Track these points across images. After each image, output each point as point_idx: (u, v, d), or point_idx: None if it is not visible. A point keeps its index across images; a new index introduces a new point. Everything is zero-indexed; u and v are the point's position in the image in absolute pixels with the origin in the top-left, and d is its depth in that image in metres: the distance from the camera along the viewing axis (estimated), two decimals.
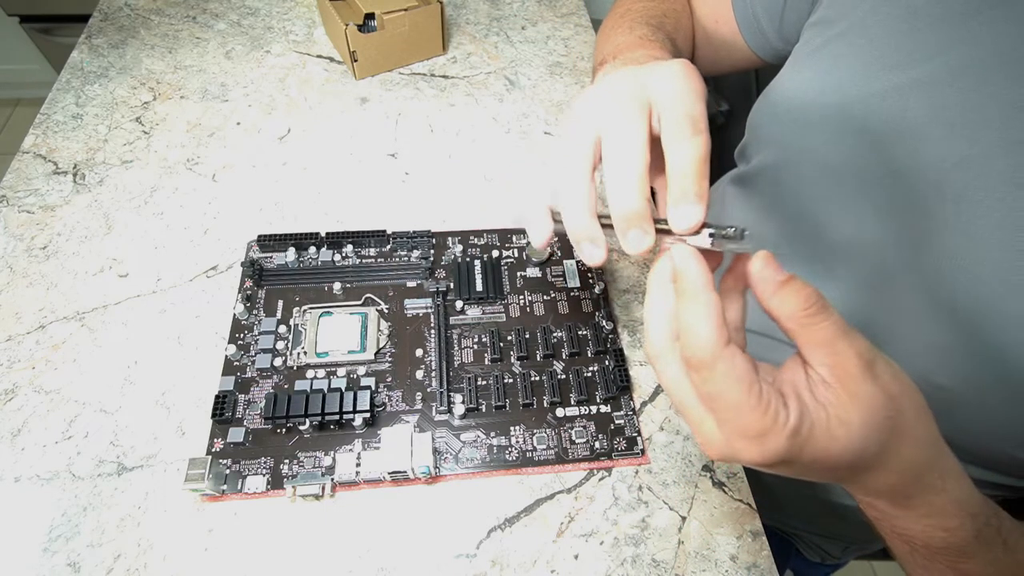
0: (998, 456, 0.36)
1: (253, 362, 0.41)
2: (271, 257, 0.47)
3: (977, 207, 0.31)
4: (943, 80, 0.32)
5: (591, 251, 0.25)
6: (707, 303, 0.21)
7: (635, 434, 0.40)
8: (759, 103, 0.44)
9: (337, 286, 0.45)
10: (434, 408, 0.40)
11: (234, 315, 0.43)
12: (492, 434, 0.40)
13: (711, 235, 0.23)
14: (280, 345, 0.42)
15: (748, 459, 0.22)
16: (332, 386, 0.40)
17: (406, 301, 0.45)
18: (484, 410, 0.40)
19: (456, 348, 0.43)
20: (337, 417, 0.38)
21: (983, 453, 0.36)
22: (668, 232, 0.24)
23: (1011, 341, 0.30)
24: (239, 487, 0.37)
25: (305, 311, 0.44)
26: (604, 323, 0.45)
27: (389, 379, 0.41)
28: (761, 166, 0.46)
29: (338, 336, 0.42)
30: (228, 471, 0.37)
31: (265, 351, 0.42)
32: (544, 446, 0.39)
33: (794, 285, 0.22)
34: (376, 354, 0.42)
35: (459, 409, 0.40)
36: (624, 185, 0.23)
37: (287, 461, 0.38)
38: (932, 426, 0.24)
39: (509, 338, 0.43)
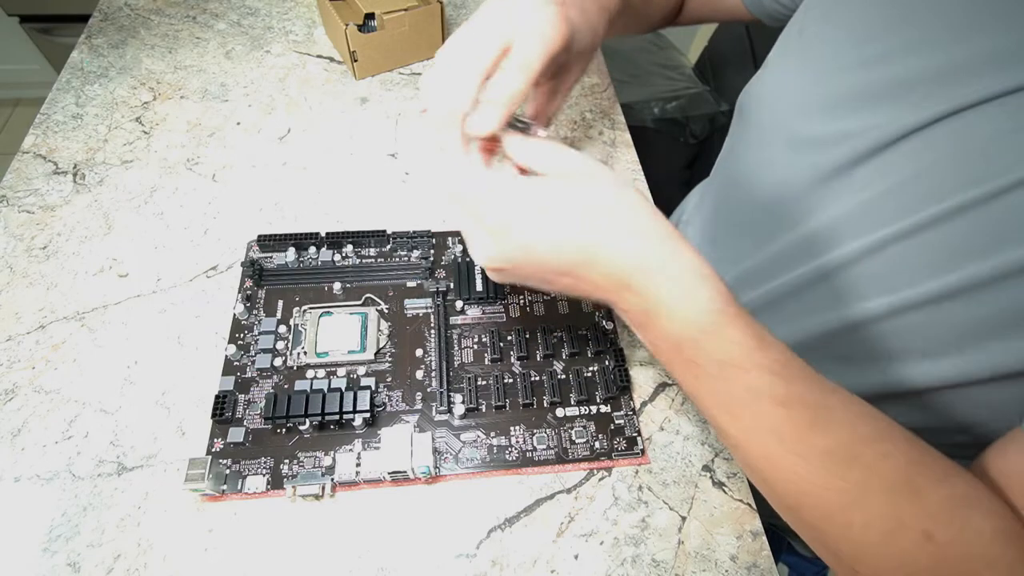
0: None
1: (253, 362, 0.41)
2: (271, 257, 0.47)
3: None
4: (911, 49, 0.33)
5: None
6: (448, 132, 0.32)
7: (635, 434, 0.40)
8: (745, 88, 0.46)
9: (337, 286, 0.45)
10: (434, 408, 0.40)
11: (234, 315, 0.43)
12: (492, 434, 0.40)
13: (511, 125, 0.33)
14: (280, 345, 0.42)
15: (489, 252, 0.30)
16: (332, 386, 0.40)
17: (406, 301, 0.45)
18: (484, 410, 0.40)
19: (456, 348, 0.43)
20: (337, 417, 0.38)
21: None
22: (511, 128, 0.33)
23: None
24: (239, 487, 0.37)
25: (305, 311, 0.44)
26: (604, 323, 0.45)
27: (389, 379, 0.41)
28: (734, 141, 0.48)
29: (338, 336, 0.42)
30: (228, 471, 0.37)
31: (265, 351, 0.42)
32: (544, 446, 0.39)
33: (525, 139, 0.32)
34: (376, 354, 0.42)
35: (459, 409, 0.40)
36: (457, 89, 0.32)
37: (287, 461, 0.38)
38: (649, 222, 0.28)
39: (509, 338, 0.43)
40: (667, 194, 0.66)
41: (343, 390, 0.39)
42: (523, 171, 0.32)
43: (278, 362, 0.41)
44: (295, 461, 0.38)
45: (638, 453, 0.40)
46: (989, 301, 0.30)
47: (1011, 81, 0.28)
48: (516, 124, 0.34)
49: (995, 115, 0.29)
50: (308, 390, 0.39)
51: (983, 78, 0.30)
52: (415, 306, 0.45)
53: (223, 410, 0.38)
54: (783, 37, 0.43)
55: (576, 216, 0.28)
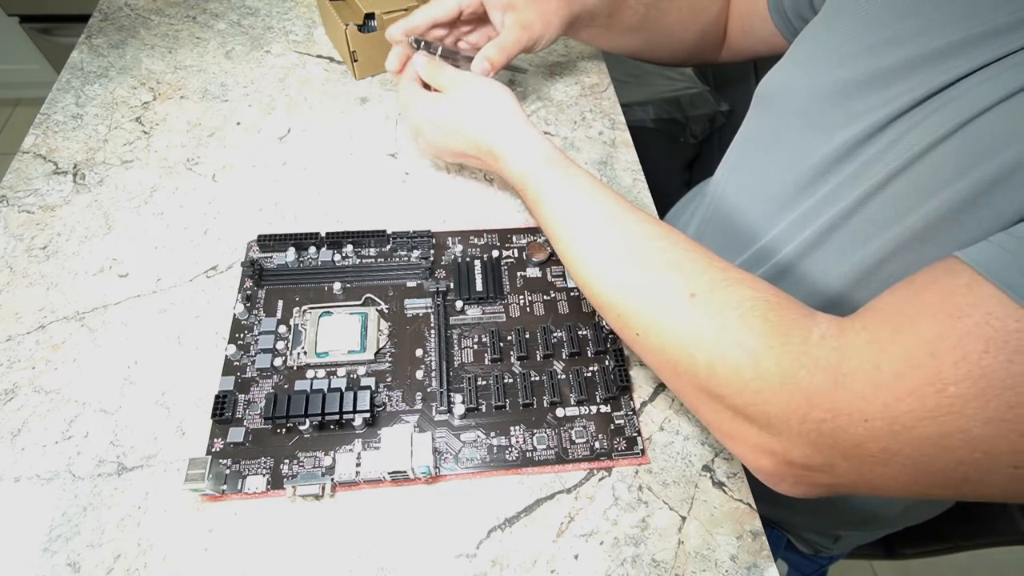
0: None
1: (253, 362, 0.41)
2: (271, 257, 0.47)
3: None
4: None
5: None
6: (394, 51, 0.50)
7: (635, 434, 0.40)
8: (763, 79, 0.48)
9: (337, 286, 0.45)
10: (434, 408, 0.40)
11: (234, 315, 0.43)
12: (492, 434, 0.40)
13: (425, 48, 0.48)
14: (280, 345, 0.42)
15: (416, 145, 0.52)
16: (332, 386, 0.40)
17: (406, 301, 0.45)
18: (484, 410, 0.40)
19: (456, 348, 0.43)
20: (337, 417, 0.38)
21: None
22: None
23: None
24: (239, 487, 0.37)
25: (305, 311, 0.44)
26: (604, 323, 0.45)
27: (389, 379, 0.41)
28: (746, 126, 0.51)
29: (338, 336, 0.42)
30: (228, 471, 0.37)
31: (265, 351, 0.42)
32: (544, 446, 0.39)
33: (426, 59, 0.47)
34: (376, 354, 0.42)
35: (459, 409, 0.40)
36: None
37: (287, 461, 0.38)
38: (506, 115, 0.43)
39: (509, 338, 0.43)
40: (667, 194, 0.66)
41: (343, 390, 0.39)
42: (427, 86, 0.47)
43: (278, 362, 0.41)
44: (295, 461, 0.38)
45: (638, 453, 0.40)
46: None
47: (1009, 45, 0.30)
48: (428, 48, 0.48)
49: (989, 81, 0.30)
50: (308, 390, 0.39)
51: (980, 49, 0.31)
52: (415, 306, 0.45)
53: (223, 410, 0.38)
54: (800, 37, 0.45)
55: (458, 122, 0.44)
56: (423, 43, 0.48)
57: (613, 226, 0.36)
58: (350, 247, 0.47)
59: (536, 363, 0.43)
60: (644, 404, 0.42)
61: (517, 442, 0.39)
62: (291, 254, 0.46)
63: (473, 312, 0.45)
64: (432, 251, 0.47)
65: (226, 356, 0.41)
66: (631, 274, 0.34)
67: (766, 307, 0.30)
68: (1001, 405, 0.23)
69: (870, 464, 0.27)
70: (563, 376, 0.42)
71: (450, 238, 0.49)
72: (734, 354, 0.29)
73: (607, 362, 0.43)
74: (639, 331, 0.34)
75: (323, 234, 0.47)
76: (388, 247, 0.48)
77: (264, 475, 0.37)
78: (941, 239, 0.32)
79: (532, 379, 0.42)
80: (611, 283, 0.35)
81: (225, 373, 0.41)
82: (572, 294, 0.46)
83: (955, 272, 0.25)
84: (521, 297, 0.46)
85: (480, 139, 0.43)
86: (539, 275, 0.47)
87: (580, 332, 0.44)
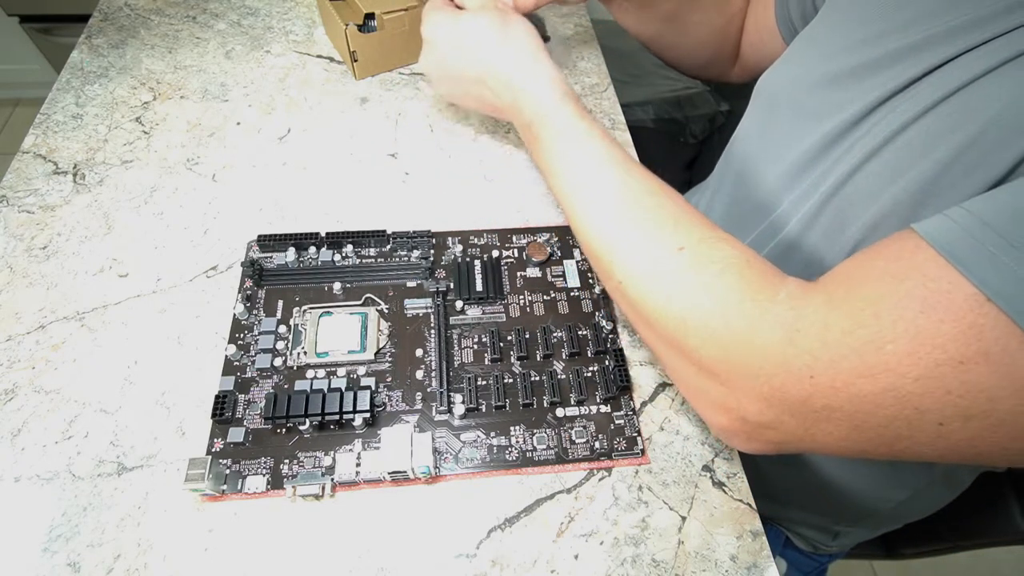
0: None
1: (253, 362, 0.41)
2: (271, 257, 0.47)
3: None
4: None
5: None
6: None
7: (635, 434, 0.40)
8: (762, 76, 0.49)
9: (337, 286, 0.45)
10: (434, 408, 0.40)
11: (234, 315, 0.43)
12: (492, 434, 0.40)
13: None
14: (280, 345, 0.42)
15: (421, 61, 0.48)
16: (332, 386, 0.40)
17: (406, 301, 0.45)
18: (484, 410, 0.40)
19: (456, 348, 0.43)
20: (337, 417, 0.38)
21: None
22: None
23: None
24: (239, 487, 0.37)
25: (305, 311, 0.44)
26: (604, 323, 0.45)
27: (389, 379, 0.41)
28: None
29: (338, 336, 0.42)
30: (228, 471, 0.37)
31: (265, 351, 0.42)
32: (544, 446, 0.39)
33: None
34: (376, 354, 0.42)
35: (459, 409, 0.40)
36: None
37: (287, 461, 0.38)
38: (525, 46, 0.42)
39: (509, 338, 0.43)
40: None
41: (343, 390, 0.39)
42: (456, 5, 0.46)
43: (278, 362, 0.41)
44: (295, 461, 0.38)
45: (638, 453, 0.40)
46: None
47: (988, 33, 0.31)
48: None
49: (971, 64, 0.32)
50: (308, 390, 0.39)
51: (966, 35, 0.32)
52: (415, 306, 0.45)
53: (223, 410, 0.38)
54: (798, 36, 0.46)
55: (476, 42, 0.43)
56: None
57: (618, 178, 0.37)
58: (350, 247, 0.47)
59: (536, 363, 0.43)
60: (644, 404, 0.42)
61: (517, 442, 0.39)
62: (291, 254, 0.46)
63: (473, 312, 0.45)
64: (432, 251, 0.47)
65: (226, 356, 0.41)
66: (627, 223, 0.35)
67: (743, 265, 0.31)
68: (930, 363, 0.24)
69: (813, 420, 0.28)
70: (563, 376, 0.42)
71: (450, 238, 0.49)
72: (706, 305, 0.31)
73: (607, 362, 0.43)
74: (622, 279, 0.35)
75: (323, 234, 0.47)
76: (388, 247, 0.48)
77: (264, 475, 0.37)
78: (908, 216, 0.34)
79: (532, 379, 0.42)
80: (607, 230, 0.36)
81: (225, 373, 0.41)
82: (572, 294, 0.46)
83: (905, 240, 0.27)
84: (521, 297, 0.46)
85: (497, 66, 0.42)
86: (539, 275, 0.47)
87: (580, 332, 0.44)
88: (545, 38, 0.58)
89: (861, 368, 0.26)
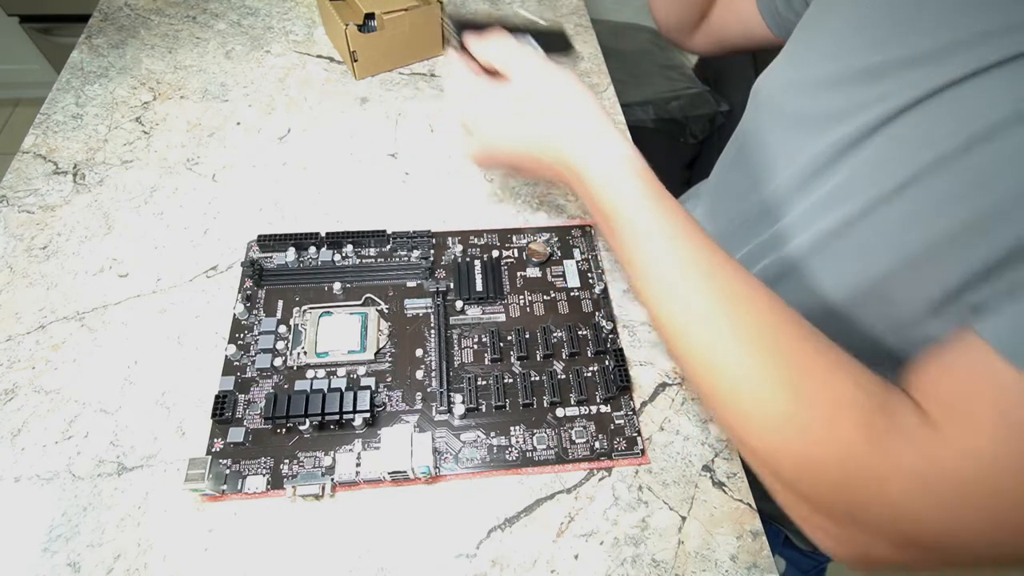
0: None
1: (253, 362, 0.41)
2: (271, 257, 0.47)
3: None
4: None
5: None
6: (455, 61, 0.41)
7: (635, 434, 0.40)
8: (759, 77, 0.47)
9: (337, 286, 0.45)
10: (434, 408, 0.40)
11: (234, 315, 0.43)
12: (492, 434, 0.40)
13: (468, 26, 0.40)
14: (280, 345, 0.42)
15: (467, 147, 0.41)
16: (332, 386, 0.40)
17: (406, 301, 0.45)
18: (484, 410, 0.40)
19: (456, 348, 0.43)
20: (337, 417, 0.38)
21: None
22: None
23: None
24: (239, 487, 0.37)
25: (305, 311, 0.44)
26: (604, 323, 0.45)
27: (389, 379, 0.41)
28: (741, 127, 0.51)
29: (338, 336, 0.42)
30: (228, 471, 0.37)
31: (265, 351, 0.42)
32: (544, 446, 0.39)
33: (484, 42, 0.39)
34: (376, 354, 0.42)
35: (459, 409, 0.40)
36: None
37: (287, 461, 0.38)
38: (584, 117, 0.36)
39: (509, 338, 0.43)
40: None
41: (343, 390, 0.39)
42: (490, 72, 0.39)
43: (278, 362, 0.41)
44: (295, 461, 0.38)
45: (638, 453, 0.40)
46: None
47: (1001, 53, 0.30)
48: (475, 26, 0.40)
49: (989, 84, 0.30)
50: (308, 390, 0.39)
51: (977, 51, 0.31)
52: (415, 306, 0.45)
53: (223, 410, 0.38)
54: (793, 35, 0.45)
55: (524, 116, 0.37)
56: (463, 26, 0.40)
57: (708, 279, 0.32)
58: (350, 247, 0.47)
59: (536, 363, 0.43)
60: (644, 404, 0.42)
61: (517, 442, 0.39)
62: (291, 254, 0.46)
63: (473, 312, 0.45)
64: (432, 251, 0.47)
65: (226, 356, 0.41)
66: (722, 338, 0.30)
67: (855, 400, 0.28)
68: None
69: (946, 556, 0.27)
70: (563, 376, 0.42)
71: (450, 238, 0.49)
72: (819, 455, 0.28)
73: (607, 362, 0.43)
74: (718, 405, 0.31)
75: (323, 234, 0.47)
76: (388, 247, 0.48)
77: (264, 475, 0.37)
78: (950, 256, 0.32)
79: (532, 379, 0.42)
80: (699, 343, 0.31)
81: (225, 373, 0.41)
82: (572, 294, 0.46)
83: (993, 361, 0.26)
84: (521, 297, 0.46)
85: (552, 140, 0.36)
86: (539, 275, 0.47)
87: (580, 332, 0.44)
88: (568, 47, 0.48)
89: (997, 514, 0.25)
